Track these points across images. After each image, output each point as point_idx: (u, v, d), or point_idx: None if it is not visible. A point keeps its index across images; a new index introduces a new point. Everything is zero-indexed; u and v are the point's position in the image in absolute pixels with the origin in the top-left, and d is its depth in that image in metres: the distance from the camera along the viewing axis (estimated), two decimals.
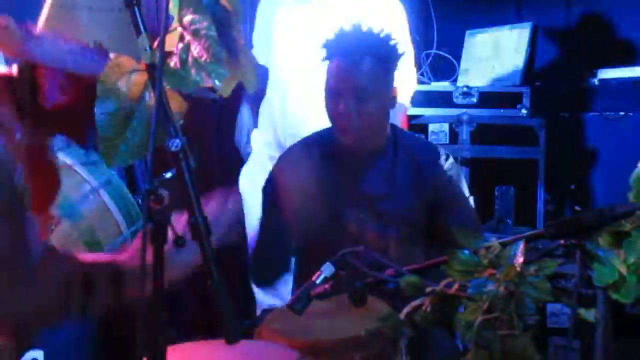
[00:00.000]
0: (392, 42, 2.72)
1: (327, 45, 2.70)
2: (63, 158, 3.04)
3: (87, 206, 3.15)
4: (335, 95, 2.69)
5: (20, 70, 1.84)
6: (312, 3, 3.64)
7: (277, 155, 3.28)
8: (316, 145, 2.84)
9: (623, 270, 1.75)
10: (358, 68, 2.65)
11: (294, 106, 3.65)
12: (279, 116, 3.70)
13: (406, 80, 3.54)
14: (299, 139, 2.97)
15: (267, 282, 3.02)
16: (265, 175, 2.95)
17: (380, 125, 2.74)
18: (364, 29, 2.69)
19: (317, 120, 2.99)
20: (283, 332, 2.30)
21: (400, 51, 2.72)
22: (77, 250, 2.83)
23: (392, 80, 2.75)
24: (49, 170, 1.99)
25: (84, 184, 3.15)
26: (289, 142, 3.27)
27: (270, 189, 2.87)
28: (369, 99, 2.66)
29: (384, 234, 2.69)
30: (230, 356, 2.11)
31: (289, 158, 2.91)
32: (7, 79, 1.86)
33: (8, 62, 1.88)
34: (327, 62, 2.73)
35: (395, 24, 3.48)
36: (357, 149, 2.72)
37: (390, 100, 2.75)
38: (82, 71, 1.80)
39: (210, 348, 2.19)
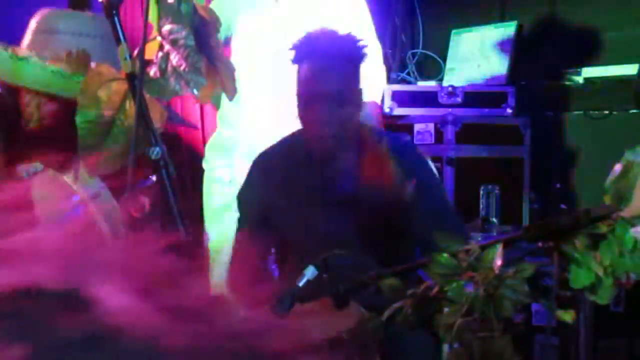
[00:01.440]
0: (359, 43, 2.71)
1: (297, 48, 2.68)
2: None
3: (75, 218, 3.15)
4: (308, 101, 2.66)
5: (1, 95, 1.85)
6: (270, 7, 3.56)
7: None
8: (286, 152, 2.82)
9: (599, 272, 1.77)
10: (330, 72, 2.64)
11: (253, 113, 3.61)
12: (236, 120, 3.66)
13: (375, 78, 3.54)
14: (267, 147, 2.93)
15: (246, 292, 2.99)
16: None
17: (353, 128, 2.72)
18: (331, 30, 2.68)
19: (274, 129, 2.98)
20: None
21: (365, 51, 2.71)
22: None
23: (359, 81, 2.74)
24: (24, 206, 1.98)
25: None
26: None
27: (250, 196, 2.86)
28: (343, 104, 2.64)
29: (361, 234, 2.69)
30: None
31: (263, 164, 2.88)
32: None
33: None
34: (294, 66, 2.70)
35: (359, 22, 3.49)
36: (329, 153, 2.70)
37: (360, 101, 2.74)
38: (67, 94, 1.81)
39: None
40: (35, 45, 1.83)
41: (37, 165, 1.99)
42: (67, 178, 3.12)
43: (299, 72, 2.69)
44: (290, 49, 2.69)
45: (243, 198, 2.90)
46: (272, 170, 2.82)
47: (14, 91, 1.82)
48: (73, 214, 3.18)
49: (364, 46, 2.71)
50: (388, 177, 2.70)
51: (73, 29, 1.86)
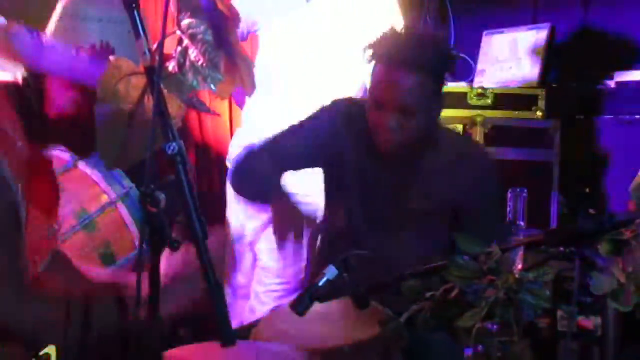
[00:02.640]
0: (445, 52, 2.60)
1: (375, 48, 2.55)
2: (83, 168, 3.02)
3: (104, 218, 3.14)
4: (378, 106, 2.57)
5: (25, 79, 1.84)
6: (301, 6, 3.45)
7: None
8: (355, 121, 2.71)
9: (622, 278, 1.74)
10: (406, 82, 2.51)
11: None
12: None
13: None
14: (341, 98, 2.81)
15: (249, 195, 2.91)
16: None
17: (423, 136, 2.62)
18: (415, 34, 2.58)
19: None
20: (283, 333, 2.30)
21: (453, 61, 2.60)
22: (90, 261, 2.83)
23: (441, 91, 2.64)
24: (49, 182, 1.99)
25: (102, 195, 3.14)
26: None
27: (314, 124, 2.75)
28: (415, 115, 2.54)
29: (409, 233, 2.66)
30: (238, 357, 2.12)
31: (337, 114, 2.76)
32: (12, 87, 1.86)
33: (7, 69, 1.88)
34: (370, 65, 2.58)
35: (391, 22, 3.44)
36: (392, 157, 2.64)
37: (438, 109, 2.65)
38: (90, 82, 1.81)
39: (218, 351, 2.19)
40: (62, 31, 1.82)
41: (67, 158, 1.99)
42: (96, 177, 3.13)
43: (373, 72, 2.58)
44: (367, 47, 2.57)
45: (308, 124, 2.77)
46: (344, 124, 2.71)
47: (38, 77, 1.81)
48: (100, 214, 3.19)
49: (449, 57, 2.61)
50: (449, 183, 2.64)
51: (100, 15, 1.84)
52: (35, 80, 1.83)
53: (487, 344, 1.83)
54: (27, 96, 1.84)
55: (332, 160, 2.76)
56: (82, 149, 1.81)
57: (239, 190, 2.91)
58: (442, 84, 2.64)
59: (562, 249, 1.83)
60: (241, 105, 3.79)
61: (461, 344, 1.87)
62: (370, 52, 2.57)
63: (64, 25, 1.85)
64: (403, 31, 2.59)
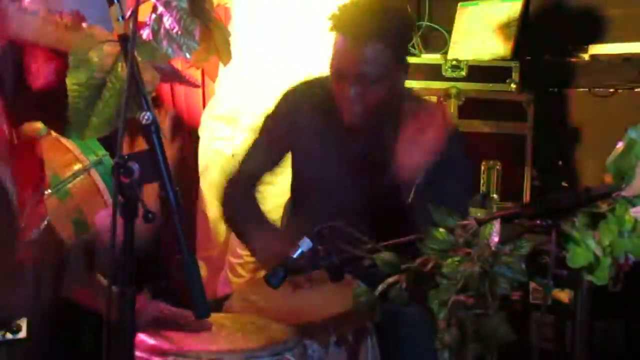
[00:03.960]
0: (404, 22, 2.62)
1: (333, 19, 2.56)
2: (57, 135, 2.99)
3: (77, 185, 3.11)
4: (339, 78, 2.57)
5: (3, 50, 1.80)
6: None
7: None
8: (317, 97, 2.72)
9: (598, 252, 1.74)
10: (365, 51, 2.51)
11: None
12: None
13: None
14: (300, 83, 2.83)
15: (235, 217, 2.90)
16: None
17: (387, 105, 2.61)
18: (377, 5, 2.56)
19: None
20: (256, 306, 2.29)
21: (412, 26, 2.62)
22: (64, 228, 2.81)
23: (404, 58, 2.64)
24: (35, 165, 1.96)
25: (75, 162, 3.11)
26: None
27: (282, 112, 2.79)
28: (375, 84, 2.53)
29: (373, 200, 2.64)
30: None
31: (295, 98, 2.79)
32: None
33: None
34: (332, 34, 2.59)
35: None
36: (356, 126, 2.63)
37: (401, 77, 2.65)
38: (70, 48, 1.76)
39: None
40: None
41: (42, 128, 1.95)
42: (69, 144, 3.09)
43: (334, 43, 2.58)
44: (328, 18, 2.57)
45: (267, 122, 2.81)
46: (301, 108, 2.73)
47: (18, 47, 1.77)
48: (72, 181, 3.16)
49: (409, 24, 2.62)
50: (413, 151, 2.62)
51: None
52: (14, 52, 1.78)
53: (461, 317, 1.82)
54: (5, 68, 1.80)
55: (300, 142, 2.77)
56: (64, 127, 1.75)
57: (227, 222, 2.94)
58: (403, 53, 2.64)
59: (538, 221, 1.82)
60: (213, 77, 3.76)
61: (435, 317, 1.86)
62: (330, 22, 2.57)
63: None
64: (362, 1, 2.58)
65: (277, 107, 2.82)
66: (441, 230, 1.89)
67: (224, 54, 1.69)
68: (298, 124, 2.75)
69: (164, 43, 1.60)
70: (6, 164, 1.71)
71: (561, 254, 1.78)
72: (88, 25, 1.67)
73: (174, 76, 1.77)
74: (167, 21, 1.58)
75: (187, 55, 1.60)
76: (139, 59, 1.57)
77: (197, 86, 3.48)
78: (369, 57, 2.52)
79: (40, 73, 1.76)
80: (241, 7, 3.50)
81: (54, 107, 1.75)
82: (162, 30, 1.60)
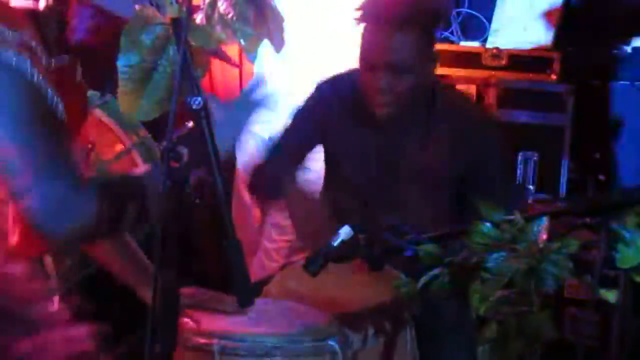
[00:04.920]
0: (434, 7, 2.60)
1: (363, 9, 2.54)
2: (99, 114, 2.98)
3: (118, 166, 3.10)
4: (368, 68, 2.55)
5: (47, 5, 1.79)
6: None
7: None
8: (352, 92, 2.70)
9: None
10: (395, 40, 2.49)
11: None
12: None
13: None
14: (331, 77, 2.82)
15: (264, 194, 2.96)
16: None
17: (418, 96, 2.60)
18: None
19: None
20: (295, 293, 2.28)
21: (442, 15, 2.61)
22: None
23: (433, 46, 2.62)
24: (78, 92, 1.92)
25: (117, 142, 3.10)
26: None
27: (312, 101, 2.78)
28: (406, 74, 2.51)
29: (412, 199, 2.62)
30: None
31: (325, 92, 2.78)
32: (32, 12, 1.80)
33: None
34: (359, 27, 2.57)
35: None
36: (386, 119, 2.61)
37: (431, 67, 2.62)
38: (114, 11, 1.75)
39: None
40: None
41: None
42: (111, 123, 3.06)
43: (362, 33, 2.57)
44: (357, 8, 2.55)
45: (298, 113, 2.81)
46: (331, 102, 2.72)
47: (60, 2, 1.75)
48: (114, 162, 3.14)
49: (439, 11, 2.60)
50: (448, 146, 2.60)
51: None
52: (57, 5, 1.76)
53: (504, 313, 1.80)
54: (47, 22, 1.77)
55: (331, 137, 2.76)
56: (98, 81, 1.72)
57: (256, 197, 3.03)
58: (432, 40, 2.62)
59: (587, 219, 1.80)
60: (252, 59, 3.74)
61: (477, 312, 1.84)
62: (359, 13, 2.55)
63: None
64: None
65: (307, 100, 2.81)
66: (486, 224, 1.86)
67: (277, 40, 1.67)
68: (328, 117, 2.74)
69: (218, 28, 1.58)
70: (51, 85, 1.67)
71: (610, 254, 1.75)
72: (141, 7, 1.65)
73: (225, 58, 1.75)
74: (222, 6, 1.56)
75: (242, 41, 1.58)
76: (192, 43, 1.55)
77: (236, 65, 3.44)
78: (398, 45, 2.50)
79: (77, 29, 1.73)
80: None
81: (91, 65, 1.74)
82: (216, 15, 1.58)
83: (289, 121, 2.84)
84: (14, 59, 1.59)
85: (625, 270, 1.73)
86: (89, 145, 2.09)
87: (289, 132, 2.82)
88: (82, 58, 1.79)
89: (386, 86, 2.52)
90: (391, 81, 2.52)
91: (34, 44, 1.69)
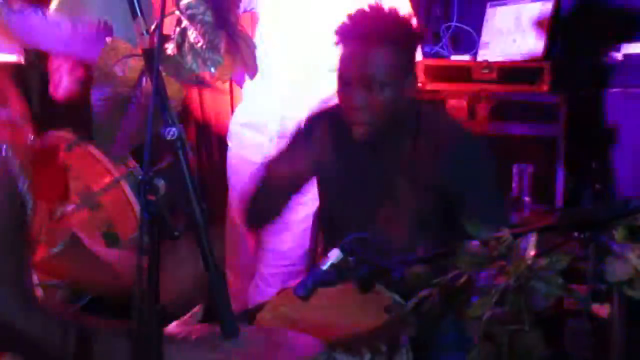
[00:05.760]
0: (411, 25, 2.60)
1: (340, 28, 2.56)
2: (86, 146, 2.97)
3: (107, 197, 3.08)
4: (345, 84, 2.55)
5: (29, 59, 1.78)
6: None
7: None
8: (334, 120, 2.71)
9: (638, 266, 1.69)
10: (370, 55, 2.50)
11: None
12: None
13: None
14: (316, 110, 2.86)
15: (259, 225, 2.96)
16: None
17: (396, 114, 2.57)
18: (380, 11, 2.55)
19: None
20: (287, 319, 2.25)
21: (421, 34, 2.61)
22: (94, 241, 2.79)
23: (411, 65, 2.61)
24: (57, 167, 1.93)
25: (105, 174, 3.08)
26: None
27: (301, 136, 2.78)
28: (382, 89, 2.50)
29: (398, 220, 2.60)
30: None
31: (317, 118, 2.80)
32: (16, 67, 1.80)
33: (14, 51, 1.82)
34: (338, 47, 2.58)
35: None
36: (366, 138, 2.59)
37: (409, 86, 2.60)
38: (93, 59, 1.74)
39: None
40: (64, 8, 1.74)
41: (72, 137, 1.93)
42: (99, 155, 3.06)
43: (341, 53, 2.57)
44: (336, 30, 2.56)
45: (289, 145, 2.82)
46: (322, 132, 2.73)
47: (42, 56, 1.74)
48: (103, 193, 3.13)
49: (416, 29, 2.61)
50: (432, 167, 2.58)
51: None
52: (39, 60, 1.76)
53: (496, 333, 1.78)
54: (31, 77, 1.77)
55: (319, 160, 2.75)
56: (88, 130, 1.72)
57: (249, 228, 3.01)
58: (409, 57, 2.61)
59: (575, 234, 1.77)
60: (240, 83, 3.73)
61: (470, 332, 1.81)
62: (336, 36, 2.57)
63: (67, 1, 1.77)
64: (366, 8, 2.56)
65: (297, 130, 2.82)
66: (474, 242, 1.83)
67: (250, 67, 1.65)
68: (316, 144, 2.73)
69: (189, 58, 1.56)
70: (27, 169, 1.67)
71: (599, 268, 1.72)
72: (112, 39, 1.63)
73: (200, 83, 1.73)
74: (192, 35, 1.55)
75: (212, 70, 1.56)
76: (164, 73, 1.53)
77: (222, 92, 3.45)
78: (371, 60, 2.50)
79: (62, 83, 1.73)
80: (268, 13, 3.46)
81: (76, 116, 1.73)
82: (186, 44, 1.56)
83: (280, 150, 2.84)
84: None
85: (616, 283, 1.71)
86: (67, 206, 2.10)
87: (280, 161, 2.81)
88: (66, 108, 1.79)
89: (361, 102, 2.51)
90: (366, 97, 2.51)
91: (19, 114, 1.69)
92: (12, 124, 1.68)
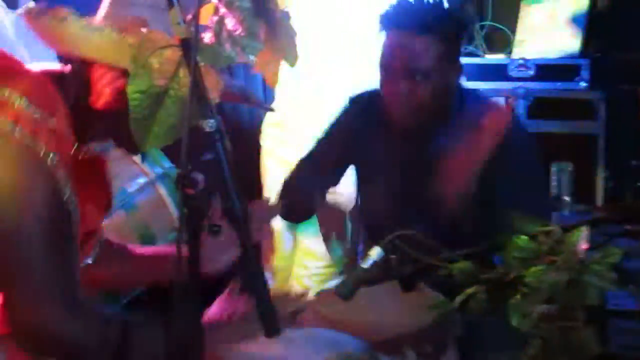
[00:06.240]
0: (455, 14, 2.58)
1: (383, 17, 2.53)
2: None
3: (143, 198, 3.06)
4: (387, 73, 2.52)
5: (74, 69, 1.76)
6: None
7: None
8: (372, 109, 2.67)
9: None
10: (415, 45, 2.46)
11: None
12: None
13: None
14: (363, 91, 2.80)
15: (297, 218, 2.93)
16: None
17: (439, 103, 2.54)
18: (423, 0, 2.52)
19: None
20: (329, 319, 2.20)
21: (466, 23, 2.57)
22: (130, 242, 2.77)
23: (456, 54, 2.58)
24: (102, 184, 1.92)
25: (141, 175, 3.06)
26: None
27: (338, 126, 2.75)
28: (426, 79, 2.47)
29: (442, 214, 2.54)
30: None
31: (355, 107, 2.76)
32: (58, 76, 1.77)
33: (61, 60, 1.79)
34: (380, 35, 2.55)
35: None
36: (413, 128, 2.56)
37: (454, 75, 2.57)
38: None
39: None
40: (112, 18, 1.71)
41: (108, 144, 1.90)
42: (134, 156, 3.04)
43: (383, 42, 2.54)
44: (379, 17, 2.54)
45: (327, 132, 2.79)
46: (354, 122, 2.70)
47: (85, 66, 1.71)
48: (139, 194, 3.12)
49: (460, 19, 2.59)
50: (477, 151, 2.52)
51: (152, 1, 1.71)
52: (83, 69, 1.73)
53: (547, 330, 1.72)
54: (74, 87, 1.75)
55: (359, 150, 2.72)
56: (133, 147, 1.70)
57: (286, 219, 2.97)
58: (454, 48, 2.57)
59: (627, 226, 1.71)
60: (273, 83, 3.69)
61: (518, 329, 1.75)
62: (379, 22, 2.54)
63: (115, 11, 1.73)
64: None
65: (336, 117, 2.78)
66: (523, 237, 1.77)
67: (290, 55, 1.61)
68: (356, 133, 2.70)
69: (227, 46, 1.52)
70: (71, 179, 1.66)
71: None
72: (148, 30, 1.59)
73: (240, 95, 1.69)
74: (230, 22, 1.50)
75: (251, 57, 1.52)
76: (202, 63, 1.49)
77: (263, 106, 3.39)
78: (416, 50, 2.47)
79: (103, 93, 1.70)
80: (298, 11, 3.42)
81: (119, 128, 1.70)
82: (224, 33, 1.52)
83: (319, 137, 2.80)
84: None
85: None
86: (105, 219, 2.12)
87: (318, 149, 2.78)
88: (111, 123, 1.76)
89: (406, 92, 2.48)
90: (408, 86, 2.48)
91: (63, 124, 1.69)
92: (58, 134, 1.68)
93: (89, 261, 1.94)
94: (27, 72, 1.75)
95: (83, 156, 1.79)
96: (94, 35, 1.65)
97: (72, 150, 1.73)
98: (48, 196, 1.64)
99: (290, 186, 2.78)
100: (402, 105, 2.50)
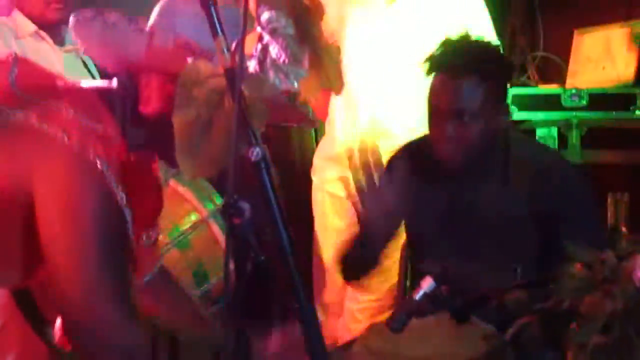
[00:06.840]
0: (502, 55, 2.57)
1: (430, 59, 2.51)
2: (174, 185, 2.95)
3: (196, 236, 3.06)
4: (435, 115, 2.50)
5: (120, 81, 1.76)
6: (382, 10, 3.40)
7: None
8: (421, 155, 2.65)
9: None
10: (463, 87, 2.46)
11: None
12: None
13: None
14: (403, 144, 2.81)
15: (358, 278, 2.88)
16: None
17: (487, 146, 2.52)
18: (471, 41, 2.52)
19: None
20: (381, 353, 2.17)
21: (512, 64, 2.55)
22: (184, 281, 2.76)
23: (503, 96, 2.58)
24: (153, 188, 1.91)
25: (193, 212, 3.06)
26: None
27: (388, 179, 2.63)
28: (474, 121, 2.46)
29: (491, 249, 2.51)
30: None
31: (403, 156, 2.73)
32: (105, 90, 1.79)
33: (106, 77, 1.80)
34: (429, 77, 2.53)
35: (478, 24, 3.27)
36: (460, 170, 2.54)
37: (501, 117, 2.56)
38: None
39: None
40: (160, 27, 1.72)
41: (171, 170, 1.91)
42: (187, 193, 3.04)
43: (431, 83, 2.53)
44: (426, 59, 2.52)
45: (379, 190, 2.65)
46: (409, 167, 2.60)
47: (133, 74, 1.72)
48: (192, 232, 3.11)
49: (507, 59, 2.56)
50: (526, 195, 2.51)
51: (197, 11, 1.71)
52: (130, 84, 1.74)
53: None
54: (121, 103, 1.75)
55: (408, 199, 2.63)
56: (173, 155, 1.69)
57: (346, 281, 2.93)
58: (501, 90, 2.57)
59: None
60: (323, 116, 3.68)
61: None
62: (426, 64, 2.52)
63: (162, 22, 1.74)
64: (456, 39, 2.52)
65: (382, 181, 2.65)
66: (577, 266, 1.73)
67: (336, 82, 1.59)
68: (402, 187, 2.61)
69: (270, 73, 1.51)
70: (123, 188, 1.66)
71: None
72: (193, 60, 1.59)
73: (288, 111, 1.68)
74: (274, 50, 1.49)
75: (295, 84, 1.50)
76: (246, 93, 1.48)
77: (311, 122, 3.38)
78: (464, 92, 2.46)
79: (151, 99, 1.70)
80: (349, 41, 3.41)
81: (163, 136, 1.70)
82: (268, 60, 1.51)
83: (370, 198, 2.67)
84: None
85: None
86: (152, 234, 2.09)
87: (372, 210, 2.65)
88: (157, 130, 1.75)
89: (453, 134, 2.46)
90: (458, 129, 2.46)
91: (113, 131, 1.69)
92: (107, 139, 1.67)
93: (145, 279, 1.92)
94: (74, 86, 1.77)
95: (132, 159, 1.78)
96: (142, 39, 1.66)
97: (122, 155, 1.73)
98: (101, 198, 1.64)
99: (351, 250, 2.72)
100: (449, 147, 2.49)
